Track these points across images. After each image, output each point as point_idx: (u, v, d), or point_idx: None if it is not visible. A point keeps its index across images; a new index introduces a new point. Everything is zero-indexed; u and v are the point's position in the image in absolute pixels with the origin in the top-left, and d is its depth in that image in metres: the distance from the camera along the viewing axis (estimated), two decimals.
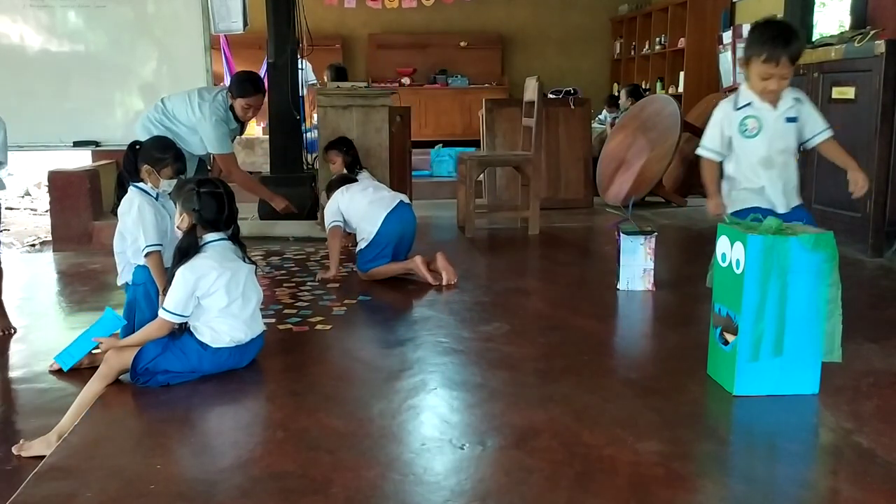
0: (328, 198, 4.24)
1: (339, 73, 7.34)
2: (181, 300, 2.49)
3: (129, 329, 3.03)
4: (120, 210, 3.10)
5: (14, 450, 2.32)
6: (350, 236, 4.27)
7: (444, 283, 3.84)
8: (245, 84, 4.31)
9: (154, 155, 3.10)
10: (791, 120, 2.92)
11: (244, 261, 2.64)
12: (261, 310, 3.27)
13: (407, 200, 4.12)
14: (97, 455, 2.05)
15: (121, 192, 3.16)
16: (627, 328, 3.33)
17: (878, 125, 4.26)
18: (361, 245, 4.02)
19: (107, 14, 5.20)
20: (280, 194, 4.66)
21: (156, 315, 2.80)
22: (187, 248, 2.56)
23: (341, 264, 4.21)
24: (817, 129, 2.96)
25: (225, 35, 7.82)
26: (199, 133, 4.26)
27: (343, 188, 4.15)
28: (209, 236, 2.60)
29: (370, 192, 4.07)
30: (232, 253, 2.62)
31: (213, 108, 4.26)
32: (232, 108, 4.32)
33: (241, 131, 4.68)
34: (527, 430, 2.14)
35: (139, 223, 3.01)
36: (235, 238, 2.66)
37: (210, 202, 2.58)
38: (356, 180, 4.32)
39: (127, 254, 3.10)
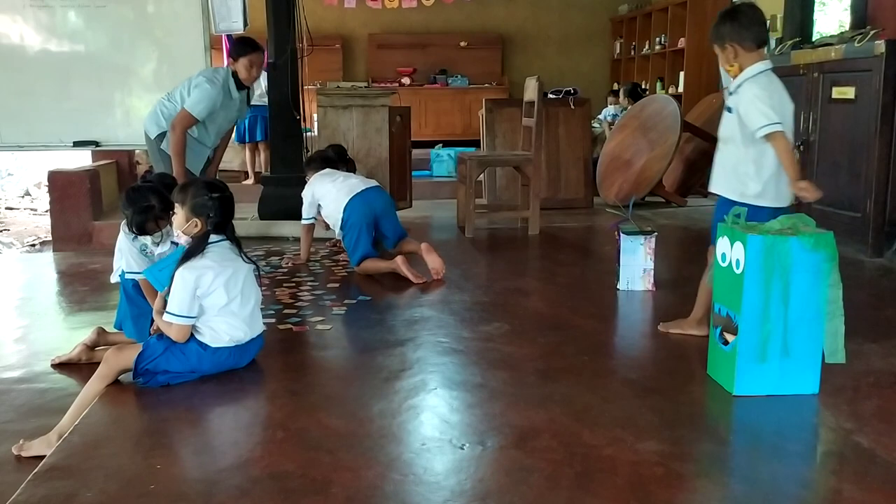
0: (306, 175, 4.42)
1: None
2: (185, 301, 2.47)
3: (120, 322, 3.05)
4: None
5: (14, 450, 2.32)
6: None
7: (433, 275, 3.88)
8: (242, 43, 4.33)
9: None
10: (728, 109, 2.76)
11: (243, 259, 2.64)
12: (261, 310, 3.27)
13: (378, 185, 4.30)
14: (97, 455, 2.05)
15: (126, 202, 3.11)
16: (627, 328, 3.33)
17: (878, 125, 4.26)
18: (338, 235, 4.22)
19: (107, 14, 5.19)
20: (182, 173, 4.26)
21: (140, 311, 2.81)
22: (196, 252, 2.55)
23: (339, 264, 4.29)
24: (754, 125, 2.65)
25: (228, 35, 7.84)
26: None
27: (321, 175, 4.31)
28: (210, 238, 2.60)
29: (339, 181, 4.24)
30: (230, 252, 2.62)
31: (209, 73, 4.32)
32: (235, 75, 4.31)
33: (249, 101, 4.63)
34: (527, 430, 2.14)
35: (120, 253, 3.04)
36: (233, 237, 2.65)
37: (223, 208, 2.59)
38: (335, 161, 4.48)
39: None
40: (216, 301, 2.52)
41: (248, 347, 2.63)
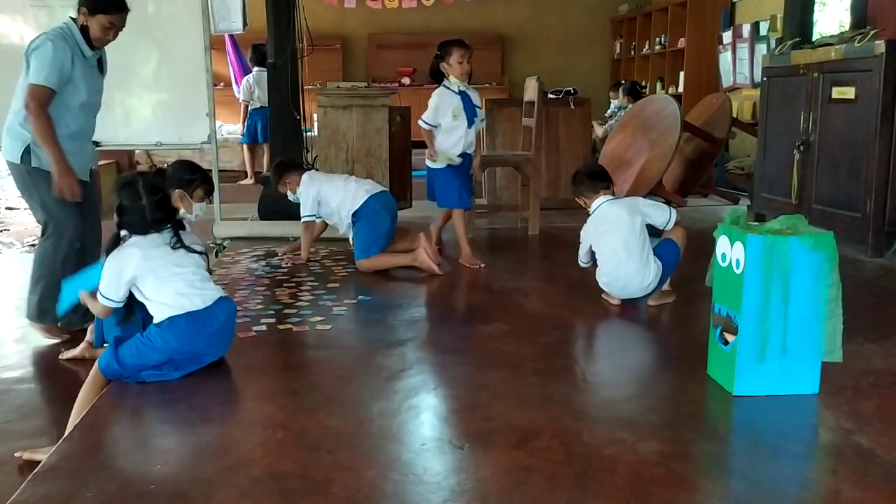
0: (280, 181, 4.38)
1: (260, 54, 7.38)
2: (110, 285, 2.48)
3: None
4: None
5: (25, 456, 2.30)
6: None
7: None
8: None
9: (184, 177, 3.07)
10: None
11: (172, 247, 2.55)
12: (260, 309, 3.27)
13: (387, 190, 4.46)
14: (97, 455, 2.05)
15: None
16: (627, 328, 3.33)
17: (878, 125, 4.27)
18: (346, 232, 4.24)
19: None
20: (71, 174, 3.28)
21: (129, 314, 2.79)
22: (112, 246, 2.54)
23: (339, 264, 4.31)
24: None
25: (231, 35, 7.89)
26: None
27: (314, 174, 4.38)
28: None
29: (350, 180, 4.34)
30: (160, 239, 2.55)
31: (52, 32, 3.29)
32: (85, 30, 3.34)
33: (103, 68, 3.58)
34: (527, 430, 2.14)
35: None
36: (175, 230, 2.57)
37: (132, 208, 2.53)
38: (302, 167, 4.54)
39: None
40: (150, 283, 2.49)
41: (209, 315, 2.52)
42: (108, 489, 1.83)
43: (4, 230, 6.27)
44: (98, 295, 2.51)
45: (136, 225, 2.54)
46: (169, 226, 2.58)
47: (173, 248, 2.55)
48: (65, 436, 2.18)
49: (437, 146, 4.29)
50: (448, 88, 4.31)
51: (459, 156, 4.27)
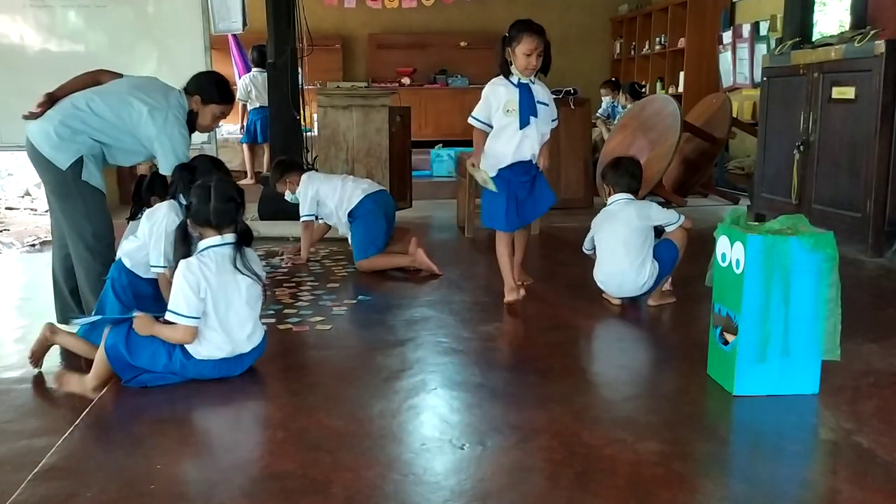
0: (280, 180, 4.39)
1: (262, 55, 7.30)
2: (190, 300, 2.40)
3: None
4: (147, 213, 3.04)
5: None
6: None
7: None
8: (217, 89, 3.41)
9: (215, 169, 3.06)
10: None
11: (241, 272, 2.50)
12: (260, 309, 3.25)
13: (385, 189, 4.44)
14: (97, 455, 2.05)
15: (138, 200, 3.13)
16: (627, 328, 3.33)
17: (878, 125, 4.27)
18: (344, 232, 4.26)
19: (107, 14, 5.18)
20: None
21: (121, 310, 2.76)
22: (181, 239, 2.51)
23: (339, 264, 4.31)
24: None
25: (234, 35, 7.89)
26: (155, 149, 3.23)
27: (313, 175, 4.41)
28: (208, 241, 2.51)
29: (346, 180, 4.36)
30: (230, 264, 2.49)
31: (175, 116, 3.25)
32: (190, 114, 3.35)
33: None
34: (527, 430, 2.14)
35: (160, 239, 2.90)
36: (240, 244, 2.53)
37: (200, 195, 2.51)
38: (303, 167, 4.56)
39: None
40: (204, 316, 2.46)
41: (237, 361, 2.54)
42: (108, 489, 1.83)
43: (4, 230, 6.27)
44: (171, 315, 2.41)
45: (199, 212, 2.51)
46: (232, 238, 2.53)
47: (236, 267, 2.49)
48: (65, 436, 2.18)
49: (484, 153, 3.50)
50: (506, 78, 3.45)
51: (517, 164, 3.45)
